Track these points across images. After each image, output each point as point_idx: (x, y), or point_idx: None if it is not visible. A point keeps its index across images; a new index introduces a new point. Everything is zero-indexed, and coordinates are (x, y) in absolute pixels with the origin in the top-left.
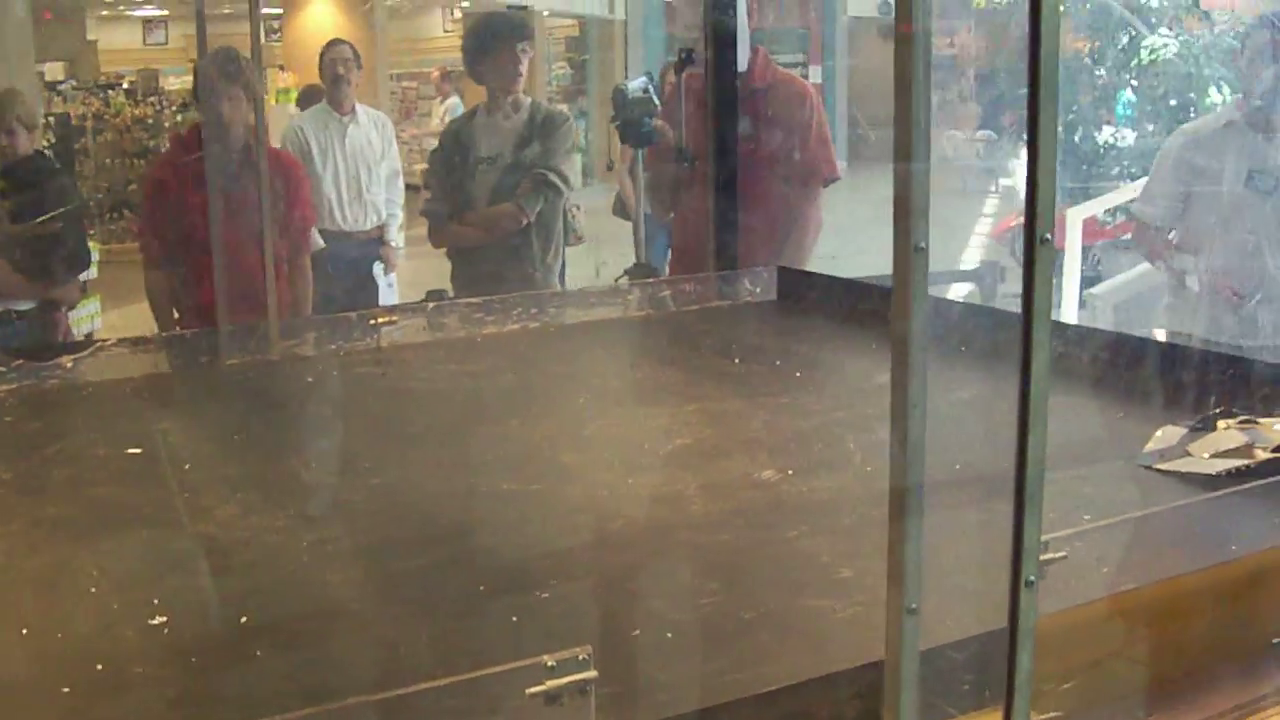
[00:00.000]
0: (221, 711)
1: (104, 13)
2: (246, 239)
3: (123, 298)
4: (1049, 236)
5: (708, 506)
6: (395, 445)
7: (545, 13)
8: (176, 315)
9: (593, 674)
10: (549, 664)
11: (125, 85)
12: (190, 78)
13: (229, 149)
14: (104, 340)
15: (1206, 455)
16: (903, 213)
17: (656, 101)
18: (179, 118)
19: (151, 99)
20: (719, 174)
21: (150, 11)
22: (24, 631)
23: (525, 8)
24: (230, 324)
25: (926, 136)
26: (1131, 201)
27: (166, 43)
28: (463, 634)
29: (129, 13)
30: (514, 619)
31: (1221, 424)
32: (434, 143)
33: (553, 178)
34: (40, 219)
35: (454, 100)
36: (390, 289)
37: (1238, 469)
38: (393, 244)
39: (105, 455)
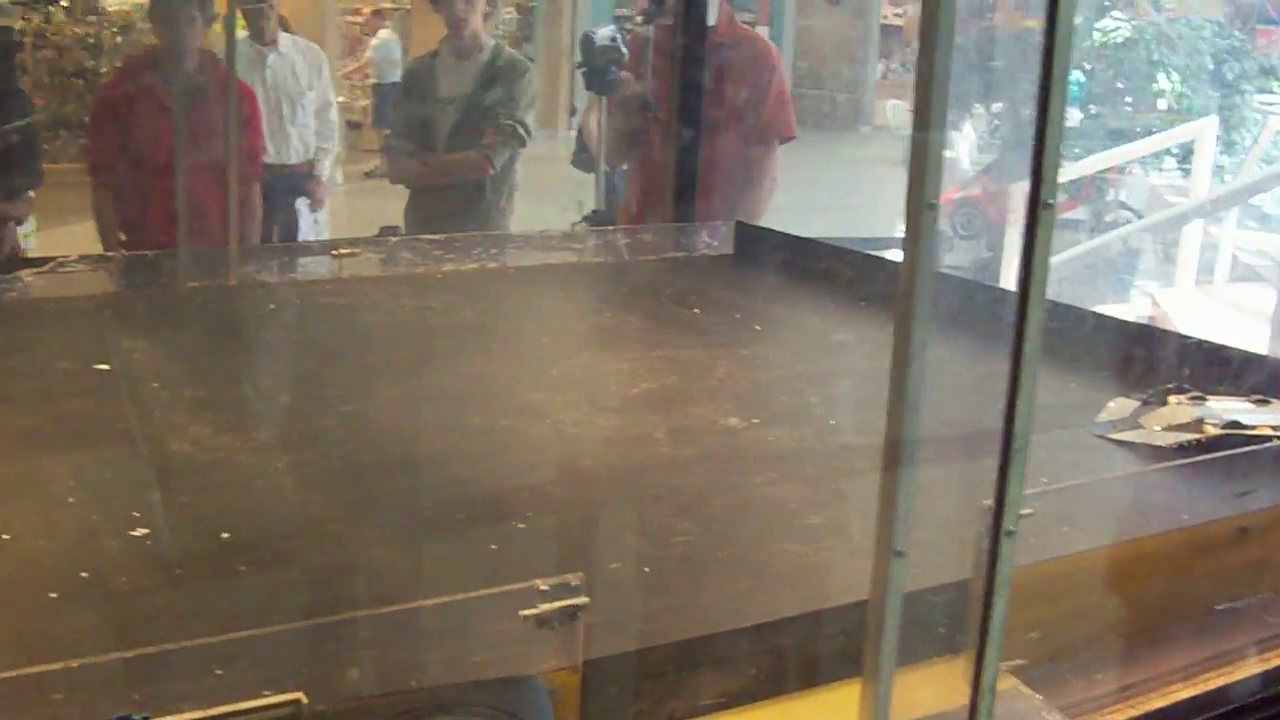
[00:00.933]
0: (210, 622)
1: None
2: (201, 163)
3: (56, 218)
4: (1052, 202)
5: (675, 450)
6: (362, 375)
7: None
8: (123, 237)
9: (584, 600)
10: (541, 588)
11: (64, 2)
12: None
13: (183, 72)
14: (65, 256)
15: (1158, 428)
16: (918, 170)
17: (624, 50)
18: (119, 39)
19: (90, 18)
20: (681, 127)
21: None
22: (5, 536)
23: None
24: (194, 248)
25: (944, 100)
26: None
27: None
28: (443, 558)
29: None
30: (493, 547)
31: (1173, 399)
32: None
33: (519, 130)
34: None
35: (386, 33)
36: (315, 225)
37: (1188, 443)
38: (322, 179)
39: (71, 370)
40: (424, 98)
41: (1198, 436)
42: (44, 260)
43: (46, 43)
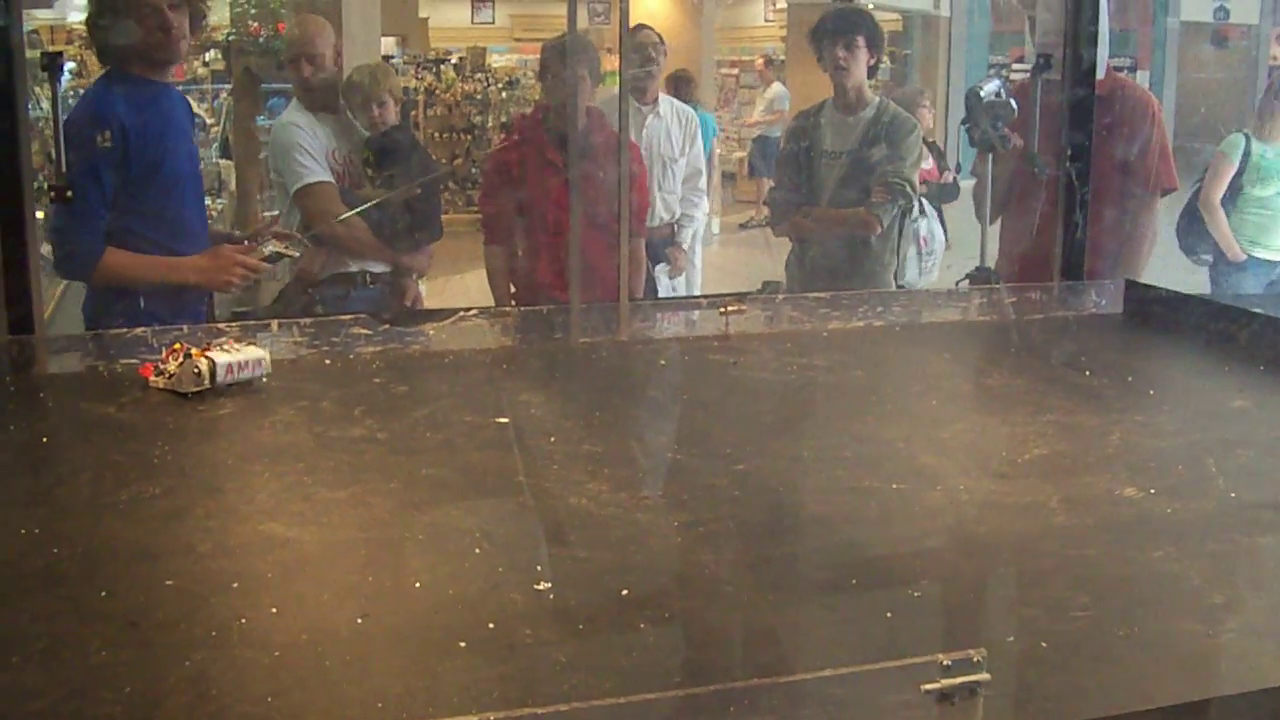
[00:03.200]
0: (614, 680)
1: None
2: (592, 220)
3: (445, 268)
4: None
5: (1070, 520)
6: (752, 434)
7: (869, 4)
8: (512, 290)
9: (985, 676)
10: (944, 662)
11: (454, 61)
12: (515, 56)
13: (572, 130)
14: (466, 310)
15: None
16: None
17: (1013, 106)
18: (504, 95)
19: (478, 75)
20: (1069, 182)
21: None
22: (417, 585)
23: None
24: (582, 302)
25: None
26: None
27: (493, 21)
28: (838, 624)
29: None
30: (888, 614)
31: None
32: (755, 131)
33: (906, 188)
34: (402, 188)
35: (778, 87)
36: (674, 292)
37: None
38: (683, 246)
39: (473, 423)
40: (809, 151)
41: None
42: (445, 313)
43: (437, 100)
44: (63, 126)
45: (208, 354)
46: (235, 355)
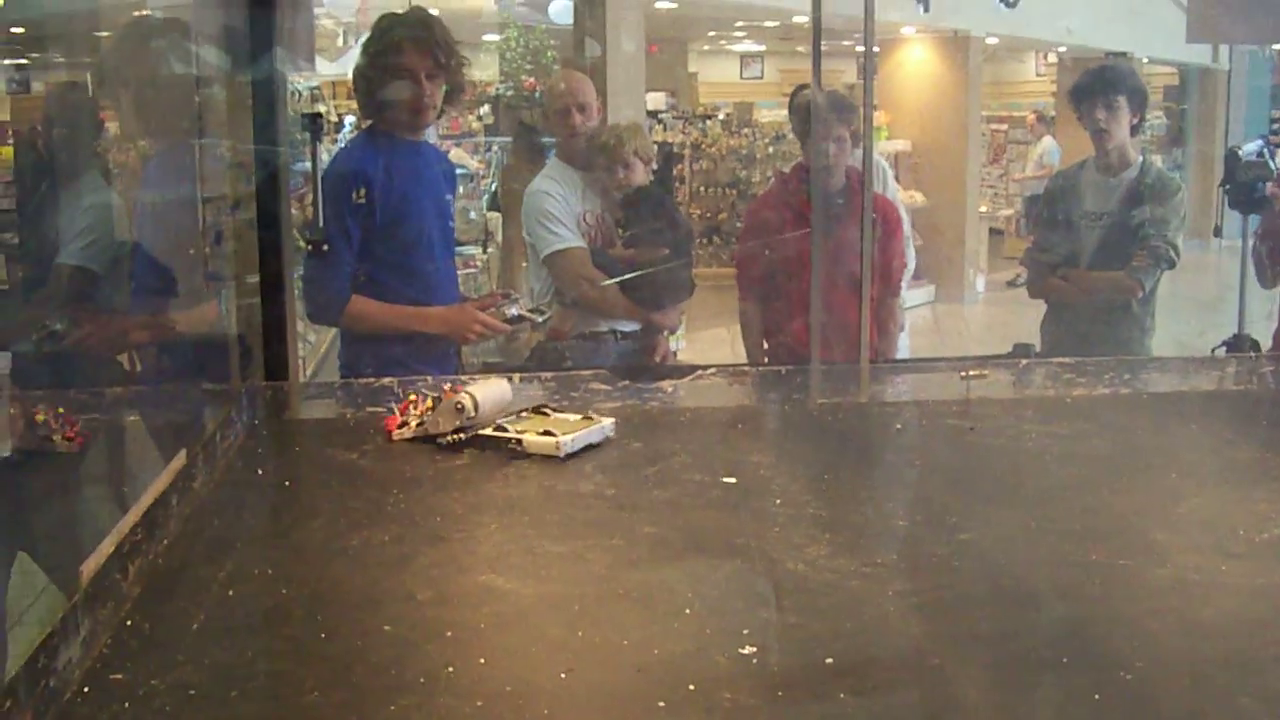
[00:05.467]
0: None
1: (705, 47)
2: (843, 279)
3: (705, 321)
4: None
5: None
6: (980, 502)
7: (1145, 59)
8: (766, 346)
9: None
10: None
11: (721, 116)
12: (784, 112)
13: (831, 188)
14: (704, 368)
15: None
16: None
17: (1273, 167)
18: (770, 149)
19: (745, 130)
20: None
21: (748, 47)
22: (625, 642)
23: (1125, 54)
24: (822, 363)
25: None
26: None
27: (762, 77)
28: (1042, 706)
29: (728, 47)
30: (1095, 697)
31: None
32: (1025, 187)
33: (1170, 252)
34: (651, 247)
35: (1048, 141)
36: (901, 351)
37: None
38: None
39: (701, 481)
40: (1069, 211)
41: None
42: (683, 370)
43: (702, 154)
44: (320, 180)
45: (466, 390)
46: (490, 390)
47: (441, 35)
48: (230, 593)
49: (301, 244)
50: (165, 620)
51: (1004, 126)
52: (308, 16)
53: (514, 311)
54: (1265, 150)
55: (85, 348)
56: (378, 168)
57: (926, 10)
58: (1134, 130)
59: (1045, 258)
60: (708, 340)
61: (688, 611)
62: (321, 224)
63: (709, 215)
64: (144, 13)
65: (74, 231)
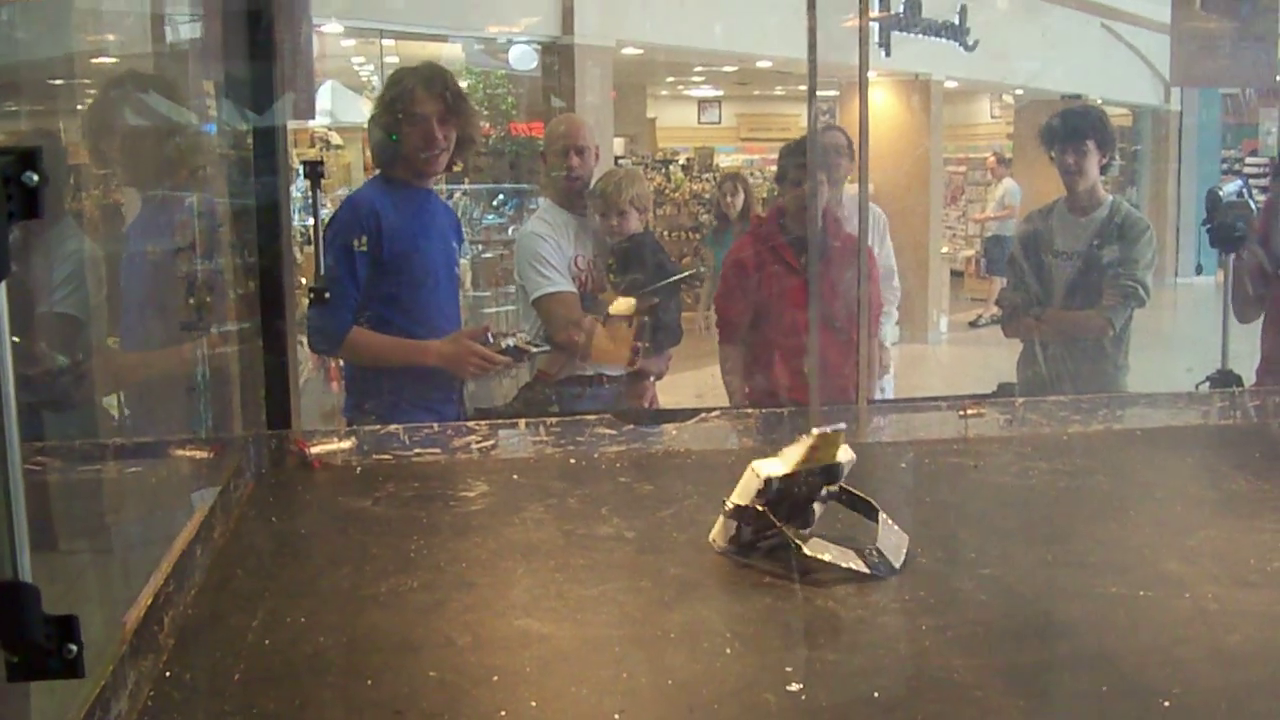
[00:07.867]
0: None
1: (663, 92)
2: (828, 322)
3: (675, 363)
4: None
5: None
6: (997, 538)
7: (1099, 100)
8: (746, 390)
9: None
10: None
11: (682, 161)
12: (742, 156)
13: (809, 232)
14: (707, 410)
15: None
16: None
17: (1253, 207)
18: (729, 199)
19: (706, 175)
20: None
21: (705, 92)
22: (670, 682)
23: (1080, 96)
24: (822, 404)
25: None
26: None
27: (719, 122)
28: None
29: (685, 92)
30: None
31: None
32: (986, 228)
33: (1139, 291)
34: (642, 293)
35: (1009, 182)
36: (881, 392)
37: None
38: (885, 343)
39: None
40: (1040, 251)
41: None
42: (687, 413)
43: (665, 199)
44: (325, 224)
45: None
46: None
47: (453, 85)
48: (266, 642)
49: (303, 297)
50: (205, 671)
51: (962, 168)
52: (307, 66)
53: (511, 343)
54: (1245, 190)
55: (83, 393)
56: (386, 212)
57: (888, 54)
58: (1103, 170)
59: (1019, 297)
60: (679, 384)
61: (728, 651)
62: (323, 272)
63: (674, 259)
64: (125, 70)
65: (56, 280)
